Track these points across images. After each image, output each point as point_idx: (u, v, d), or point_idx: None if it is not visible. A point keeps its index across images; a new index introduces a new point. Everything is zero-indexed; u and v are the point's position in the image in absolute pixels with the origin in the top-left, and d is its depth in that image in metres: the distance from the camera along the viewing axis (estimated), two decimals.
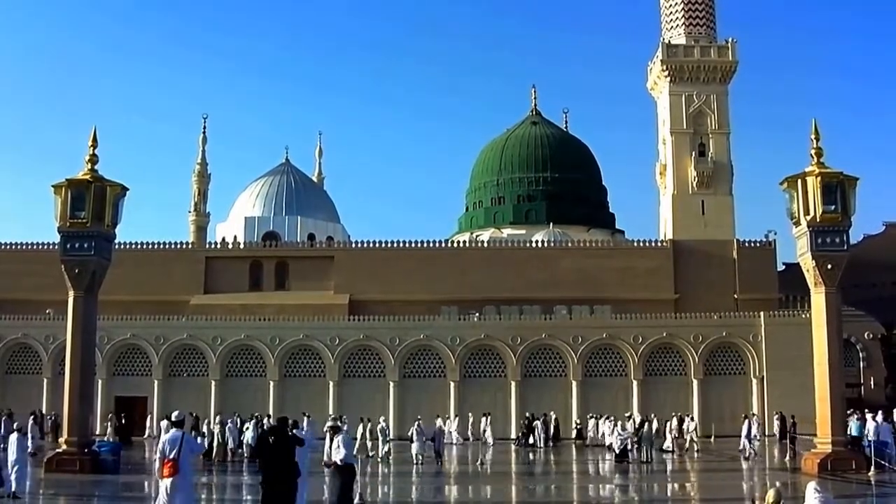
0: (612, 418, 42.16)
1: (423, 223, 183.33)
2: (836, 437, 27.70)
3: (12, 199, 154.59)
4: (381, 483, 28.79)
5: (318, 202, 77.18)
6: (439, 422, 40.37)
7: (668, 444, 40.77)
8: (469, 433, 48.39)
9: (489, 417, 49.32)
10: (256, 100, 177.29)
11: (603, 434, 44.06)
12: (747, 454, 35.92)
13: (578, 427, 47.62)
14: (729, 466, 34.28)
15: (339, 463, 17.56)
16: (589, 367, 54.62)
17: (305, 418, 38.38)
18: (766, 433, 48.53)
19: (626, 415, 43.54)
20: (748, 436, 37.03)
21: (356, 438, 39.84)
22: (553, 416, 48.04)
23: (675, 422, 42.50)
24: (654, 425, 41.16)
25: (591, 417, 47.98)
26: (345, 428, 39.10)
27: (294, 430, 18.50)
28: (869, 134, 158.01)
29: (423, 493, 27.28)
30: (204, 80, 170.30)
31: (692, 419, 42.86)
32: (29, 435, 36.82)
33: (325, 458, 18.40)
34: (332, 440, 18.38)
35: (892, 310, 62.57)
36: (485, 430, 48.34)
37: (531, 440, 45.62)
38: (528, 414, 48.89)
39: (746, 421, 37.90)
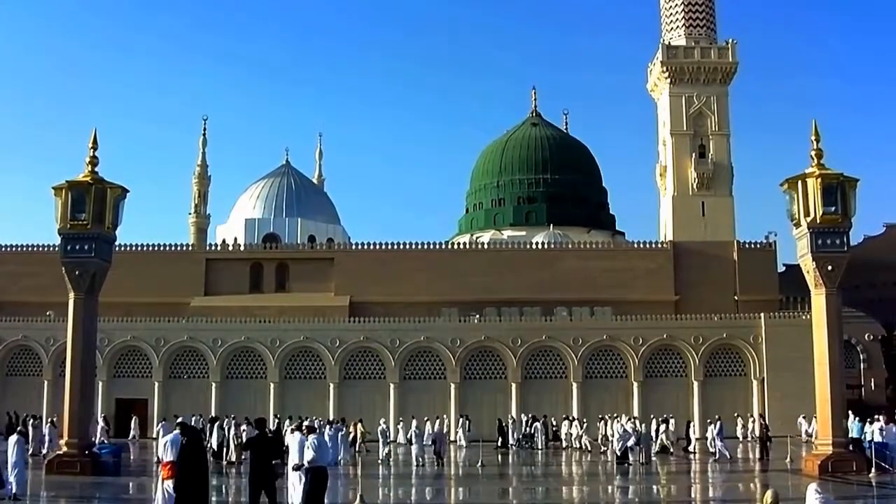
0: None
1: (423, 225, 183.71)
2: (836, 439, 27.67)
3: (12, 201, 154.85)
4: (382, 485, 28.80)
5: (319, 204, 77.20)
6: (437, 424, 40.36)
7: (692, 445, 41.00)
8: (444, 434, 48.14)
9: (464, 419, 49.33)
10: (256, 101, 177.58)
11: (580, 436, 44.12)
12: (718, 456, 36.15)
13: (555, 429, 47.25)
14: (727, 468, 34.28)
15: (305, 465, 17.32)
16: (589, 368, 54.61)
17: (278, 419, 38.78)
18: (749, 436, 48.66)
19: (604, 416, 43.80)
20: (720, 437, 37.18)
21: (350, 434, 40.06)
22: (526, 418, 48.22)
23: (654, 424, 42.34)
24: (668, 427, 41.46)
25: (565, 419, 47.74)
26: (349, 428, 39.26)
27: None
28: (869, 135, 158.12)
29: (423, 493, 27.30)
30: (204, 82, 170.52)
31: (664, 421, 42.87)
32: (47, 437, 36.99)
33: (297, 459, 17.99)
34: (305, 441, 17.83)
35: (893, 311, 62.55)
36: (458, 432, 48.20)
37: (500, 442, 45.92)
38: (499, 418, 48.74)
39: (719, 423, 38.01)
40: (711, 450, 37.64)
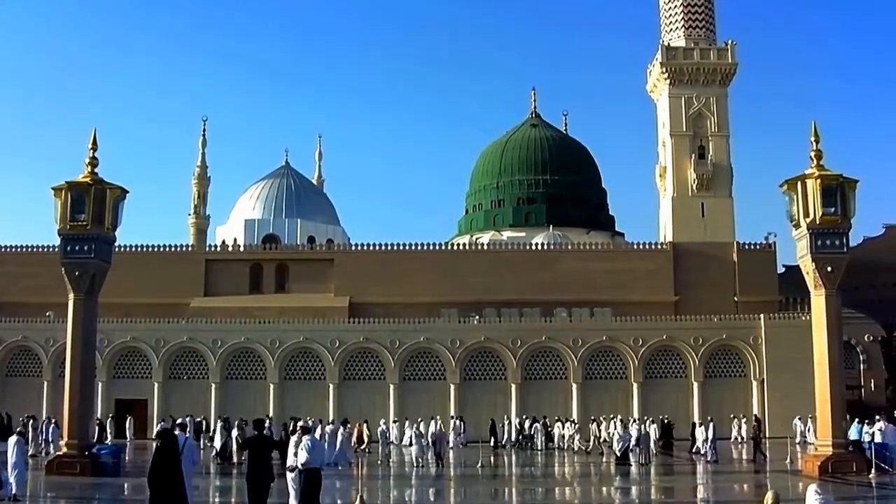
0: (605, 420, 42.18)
1: (423, 226, 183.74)
2: (836, 440, 27.68)
3: (12, 201, 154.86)
4: (381, 485, 28.79)
5: (318, 205, 77.22)
6: (437, 425, 40.33)
7: (698, 446, 41.02)
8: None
9: (455, 420, 49.28)
10: (256, 101, 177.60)
11: (573, 437, 44.12)
12: (710, 458, 36.13)
13: (549, 430, 47.26)
14: (727, 469, 34.31)
15: (299, 467, 17.26)
16: (589, 369, 54.59)
17: (268, 420, 38.86)
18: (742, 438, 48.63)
19: (596, 418, 43.67)
20: (712, 440, 37.15)
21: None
22: (517, 420, 48.25)
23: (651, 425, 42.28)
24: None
25: (557, 420, 47.72)
26: (347, 428, 39.36)
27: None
28: (869, 135, 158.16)
29: (422, 494, 27.30)
30: (204, 82, 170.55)
31: (653, 422, 42.82)
32: (50, 438, 37.07)
33: (289, 461, 17.83)
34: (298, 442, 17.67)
35: (893, 312, 62.57)
36: (451, 433, 48.22)
37: (492, 442, 45.87)
38: (492, 418, 48.69)
39: (712, 425, 37.98)
40: (702, 451, 37.63)
